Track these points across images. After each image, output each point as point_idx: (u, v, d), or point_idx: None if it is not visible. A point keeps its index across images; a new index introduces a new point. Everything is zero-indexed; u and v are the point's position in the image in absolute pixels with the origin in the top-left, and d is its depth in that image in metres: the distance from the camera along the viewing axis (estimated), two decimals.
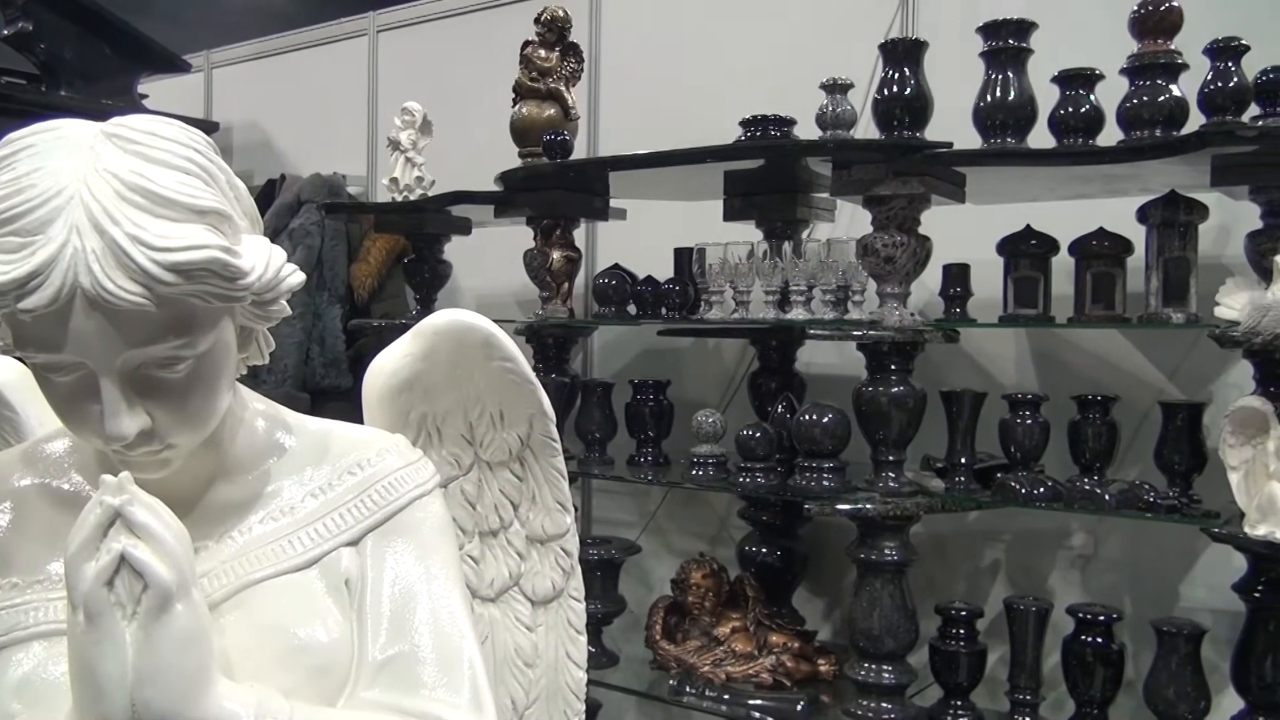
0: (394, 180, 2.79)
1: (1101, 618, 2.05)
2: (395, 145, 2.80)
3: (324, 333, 3.17)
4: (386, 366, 1.11)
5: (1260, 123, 1.75)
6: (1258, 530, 1.72)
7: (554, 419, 1.14)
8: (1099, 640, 2.04)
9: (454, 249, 2.91)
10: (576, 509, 2.92)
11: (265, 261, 0.89)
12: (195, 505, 0.97)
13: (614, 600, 2.55)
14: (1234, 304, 1.80)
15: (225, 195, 0.87)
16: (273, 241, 0.94)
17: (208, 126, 3.80)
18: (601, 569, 2.52)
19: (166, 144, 0.84)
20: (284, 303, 0.95)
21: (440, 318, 1.09)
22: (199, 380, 0.88)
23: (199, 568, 0.89)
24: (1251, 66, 1.78)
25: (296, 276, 0.94)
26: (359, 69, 3.64)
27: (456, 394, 1.13)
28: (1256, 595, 1.83)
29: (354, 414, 1.14)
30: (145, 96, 3.69)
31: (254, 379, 2.81)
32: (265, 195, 3.42)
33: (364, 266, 3.24)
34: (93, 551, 0.80)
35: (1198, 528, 1.87)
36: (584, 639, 1.20)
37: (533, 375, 1.12)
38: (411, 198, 2.76)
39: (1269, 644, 1.80)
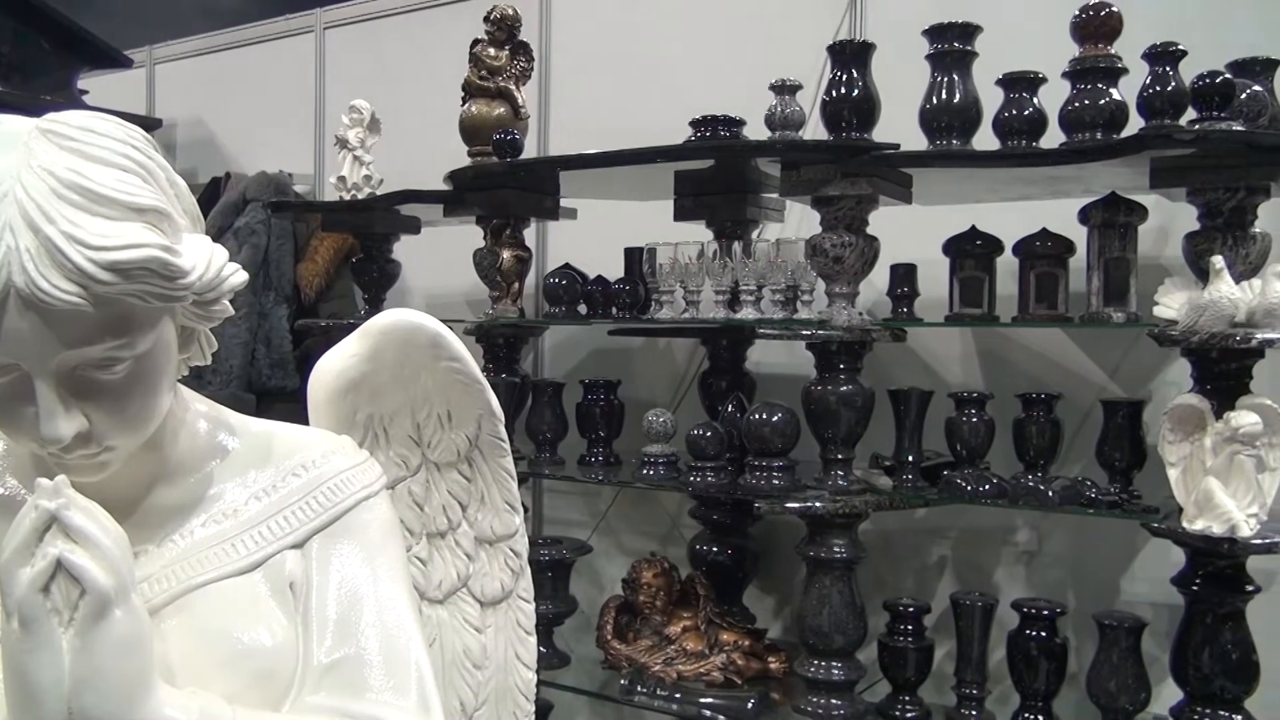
0: (342, 179, 2.76)
1: (1045, 612, 2.08)
2: (343, 143, 2.77)
3: (270, 333, 3.13)
4: (332, 367, 1.09)
5: (1197, 126, 1.79)
6: (1195, 525, 1.76)
7: (502, 419, 1.14)
8: (1043, 634, 2.07)
9: (403, 248, 2.89)
10: (527, 509, 2.91)
11: (206, 261, 0.88)
12: (135, 509, 0.95)
13: (565, 600, 2.55)
14: (1172, 303, 1.84)
15: (164, 193, 0.85)
16: (218, 240, 0.93)
17: (150, 123, 3.74)
18: (552, 569, 2.52)
19: (103, 140, 0.82)
20: (227, 303, 0.94)
21: (387, 317, 1.08)
22: (138, 382, 0.86)
23: (139, 572, 0.87)
24: (1189, 71, 1.82)
25: (239, 276, 0.92)
26: (306, 66, 3.60)
27: (403, 394, 1.12)
28: (1194, 588, 1.87)
29: (300, 415, 1.12)
30: (85, 92, 3.62)
31: (198, 380, 2.79)
32: (210, 193, 3.37)
33: (311, 266, 3.20)
34: (28, 557, 0.78)
35: (1138, 523, 1.91)
36: (533, 640, 1.20)
37: (480, 375, 1.11)
38: (360, 196, 2.74)
39: (1206, 636, 1.84)
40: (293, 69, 3.62)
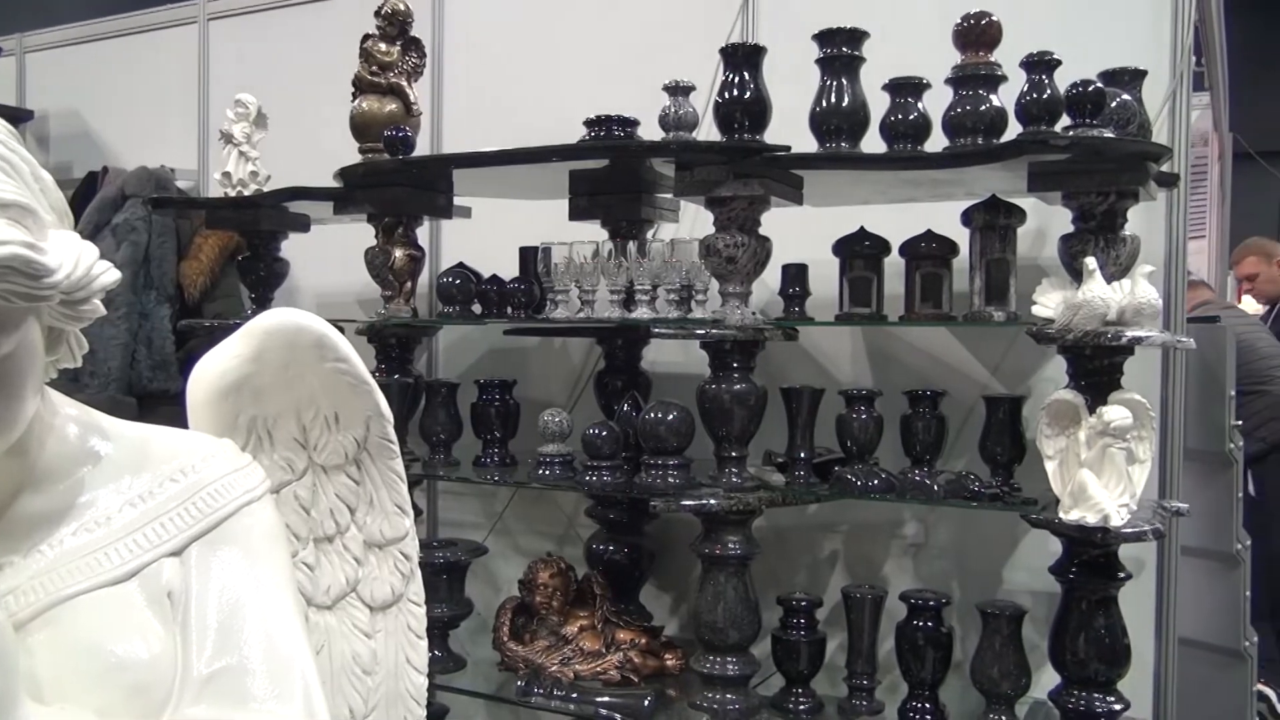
0: (226, 175, 2.68)
1: (931, 603, 2.14)
2: (228, 138, 2.69)
3: (152, 333, 3.02)
4: (213, 368, 1.06)
5: (1071, 133, 1.86)
6: (1071, 515, 1.83)
7: (391, 420, 1.12)
8: (929, 624, 2.13)
9: (292, 246, 2.82)
10: (421, 512, 2.88)
11: (74, 259, 0.84)
12: None
13: (460, 603, 2.52)
14: (1049, 303, 1.91)
15: (29, 187, 0.82)
16: (95, 238, 0.89)
17: (20, 115, 3.58)
18: (447, 572, 2.48)
19: None
20: (98, 302, 0.90)
21: (270, 318, 1.05)
22: (1, 385, 0.82)
23: (2, 585, 0.83)
24: (1063, 79, 1.89)
25: (110, 275, 0.89)
26: (189, 57, 3.48)
27: (288, 396, 1.09)
28: (1070, 576, 1.94)
29: (184, 419, 1.09)
30: None
31: (74, 382, 2.68)
32: (86, 189, 3.24)
33: (195, 264, 3.10)
34: None
35: (1018, 514, 1.98)
36: (425, 643, 1.19)
37: (368, 376, 1.09)
38: (246, 193, 2.66)
39: (1081, 622, 1.92)
40: (175, 60, 3.50)
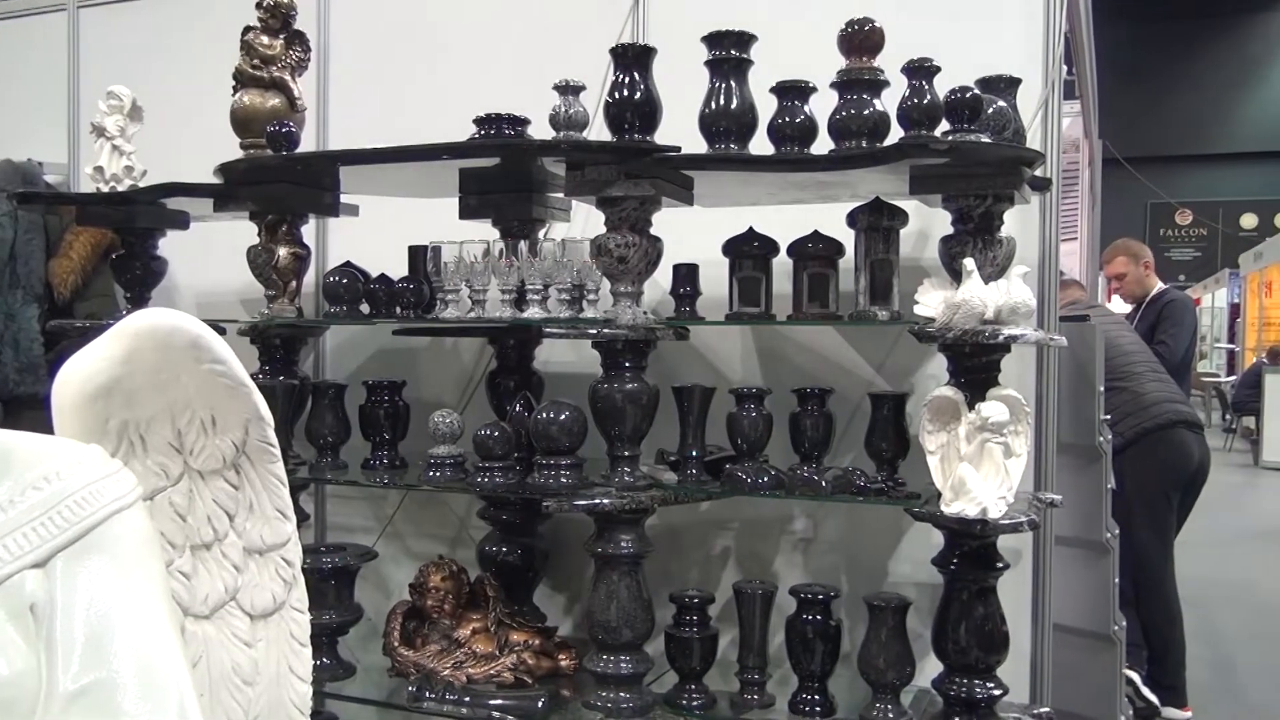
0: (99, 169, 2.57)
1: (820, 597, 2.18)
2: (100, 131, 2.58)
3: (18, 335, 2.89)
4: (80, 371, 1.02)
5: (950, 138, 1.92)
6: (951, 508, 1.88)
7: (271, 423, 1.09)
8: (818, 618, 2.17)
9: (170, 244, 2.72)
10: (308, 516, 2.81)
11: None
12: None
13: (349, 609, 2.47)
14: (930, 302, 1.97)
15: None
16: None
17: None
18: (336, 577, 2.43)
19: None
20: None
21: (142, 318, 1.01)
22: None
23: None
24: (943, 86, 1.95)
25: None
26: (57, 48, 3.33)
27: (162, 399, 1.06)
28: (952, 568, 2.01)
29: (51, 424, 1.04)
30: None
31: None
32: None
33: (65, 262, 2.97)
34: None
35: (902, 508, 2.04)
36: (309, 651, 1.16)
37: (247, 378, 1.06)
38: (120, 188, 2.56)
39: (962, 612, 1.99)
40: (43, 50, 3.34)
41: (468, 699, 2.22)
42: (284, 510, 1.13)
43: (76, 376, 1.02)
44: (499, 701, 2.21)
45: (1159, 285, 4.84)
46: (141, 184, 2.57)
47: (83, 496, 0.94)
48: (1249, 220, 17.62)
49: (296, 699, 1.15)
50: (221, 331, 1.10)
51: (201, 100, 2.69)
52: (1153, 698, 3.93)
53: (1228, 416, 13.44)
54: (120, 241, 2.74)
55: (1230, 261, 16.14)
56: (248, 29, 2.50)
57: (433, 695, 2.24)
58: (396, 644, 2.36)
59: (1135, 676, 3.89)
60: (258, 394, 1.08)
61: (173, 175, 2.49)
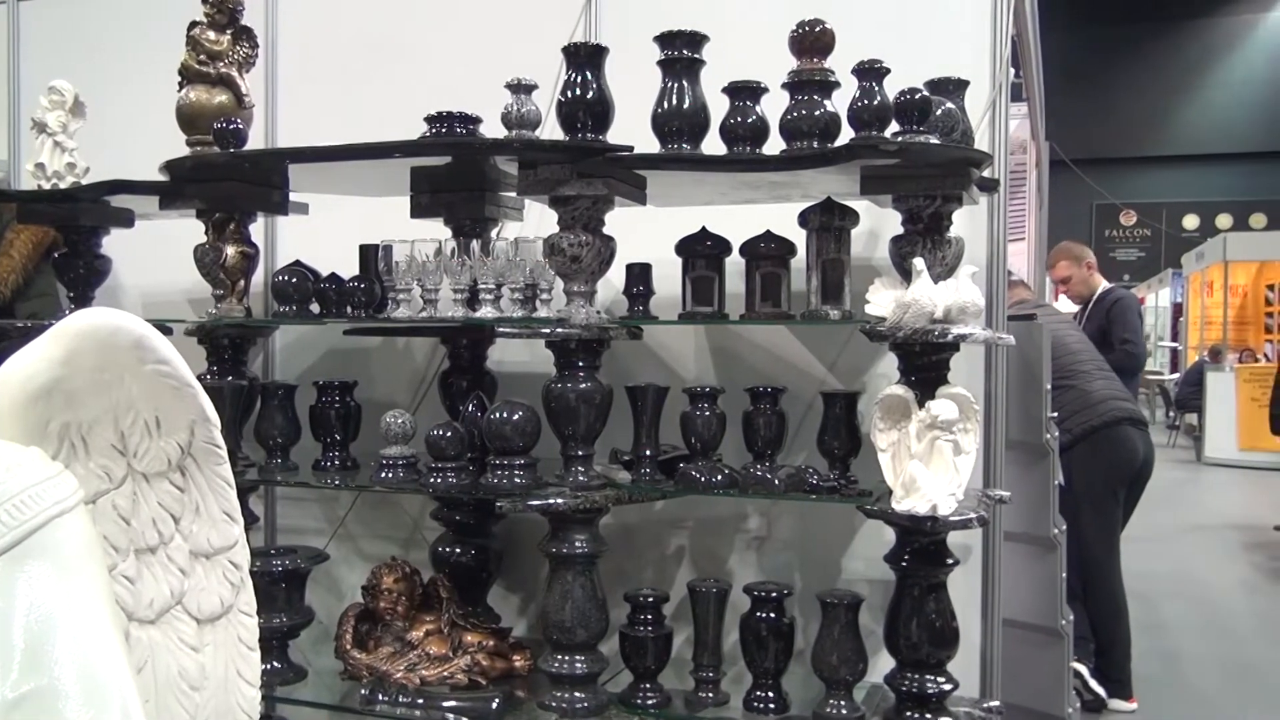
0: (40, 166, 2.52)
1: (774, 594, 2.19)
2: (41, 127, 2.53)
3: None
4: (19, 372, 1.00)
5: (900, 138, 1.94)
6: (902, 505, 1.90)
7: (218, 424, 1.08)
8: (772, 615, 2.19)
9: (114, 242, 2.67)
10: (257, 519, 2.77)
11: None
12: None
13: (301, 612, 2.44)
14: (881, 302, 1.99)
15: None
16: None
17: None
18: (286, 580, 2.40)
19: None
20: None
21: (83, 318, 0.99)
22: None
23: None
24: (892, 87, 1.97)
25: None
26: None
27: (105, 401, 1.04)
28: (903, 564, 2.03)
29: None
30: None
31: None
32: None
33: (5, 261, 2.90)
34: None
35: (854, 506, 2.05)
36: (257, 655, 1.14)
37: (192, 378, 1.04)
38: (62, 186, 2.51)
39: (913, 608, 2.01)
40: None
41: (421, 701, 2.21)
42: (231, 513, 1.11)
43: (15, 378, 1.00)
44: (453, 703, 2.19)
45: (1104, 284, 4.93)
46: (84, 181, 2.52)
47: (22, 500, 0.92)
48: (1191, 221, 18.01)
49: (245, 704, 1.13)
50: (168, 332, 1.08)
51: (146, 96, 2.65)
52: (1100, 690, 4.01)
53: (1171, 414, 13.72)
54: (63, 240, 2.68)
55: (1173, 261, 16.47)
56: (194, 24, 2.47)
57: (386, 698, 2.22)
58: (349, 647, 2.34)
59: (1083, 669, 3.96)
60: (203, 395, 1.06)
61: (117, 172, 2.44)
